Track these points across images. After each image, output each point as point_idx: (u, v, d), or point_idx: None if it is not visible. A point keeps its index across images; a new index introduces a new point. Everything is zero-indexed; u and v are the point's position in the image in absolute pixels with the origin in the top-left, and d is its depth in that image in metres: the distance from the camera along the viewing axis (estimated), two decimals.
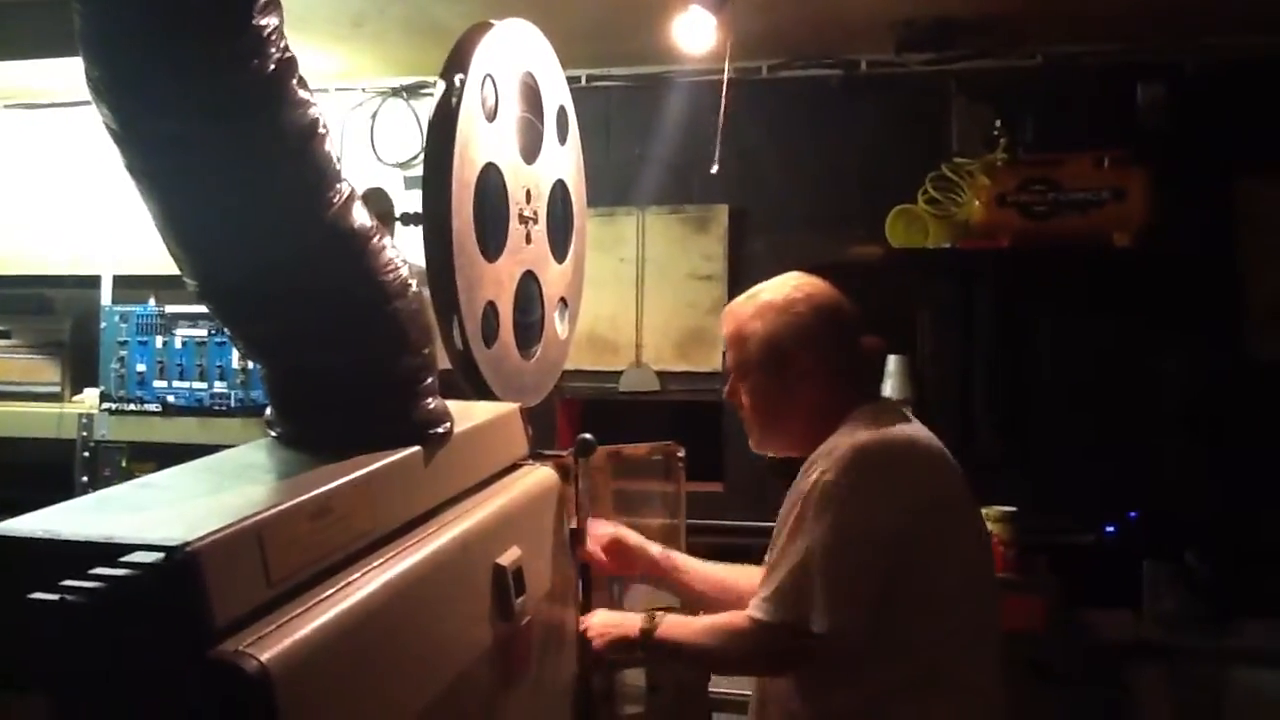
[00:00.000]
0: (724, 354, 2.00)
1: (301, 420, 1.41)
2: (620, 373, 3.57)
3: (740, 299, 1.99)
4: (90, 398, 3.18)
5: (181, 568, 0.93)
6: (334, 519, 1.15)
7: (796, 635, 1.72)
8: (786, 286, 1.94)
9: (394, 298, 1.39)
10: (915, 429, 1.83)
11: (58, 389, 3.28)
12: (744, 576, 1.98)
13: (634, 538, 2.05)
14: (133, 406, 3.09)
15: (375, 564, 1.18)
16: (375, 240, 1.39)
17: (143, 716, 0.94)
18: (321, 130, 1.31)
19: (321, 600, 1.07)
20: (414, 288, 1.45)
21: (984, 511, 2.88)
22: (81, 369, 3.27)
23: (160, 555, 0.95)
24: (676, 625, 1.89)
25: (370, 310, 1.38)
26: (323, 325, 1.36)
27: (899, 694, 1.74)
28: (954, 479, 1.80)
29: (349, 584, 1.12)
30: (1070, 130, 3.10)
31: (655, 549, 2.06)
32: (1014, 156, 3.05)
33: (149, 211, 1.27)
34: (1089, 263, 3.08)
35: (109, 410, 3.10)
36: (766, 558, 1.83)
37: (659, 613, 1.91)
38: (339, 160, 1.35)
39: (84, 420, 3.14)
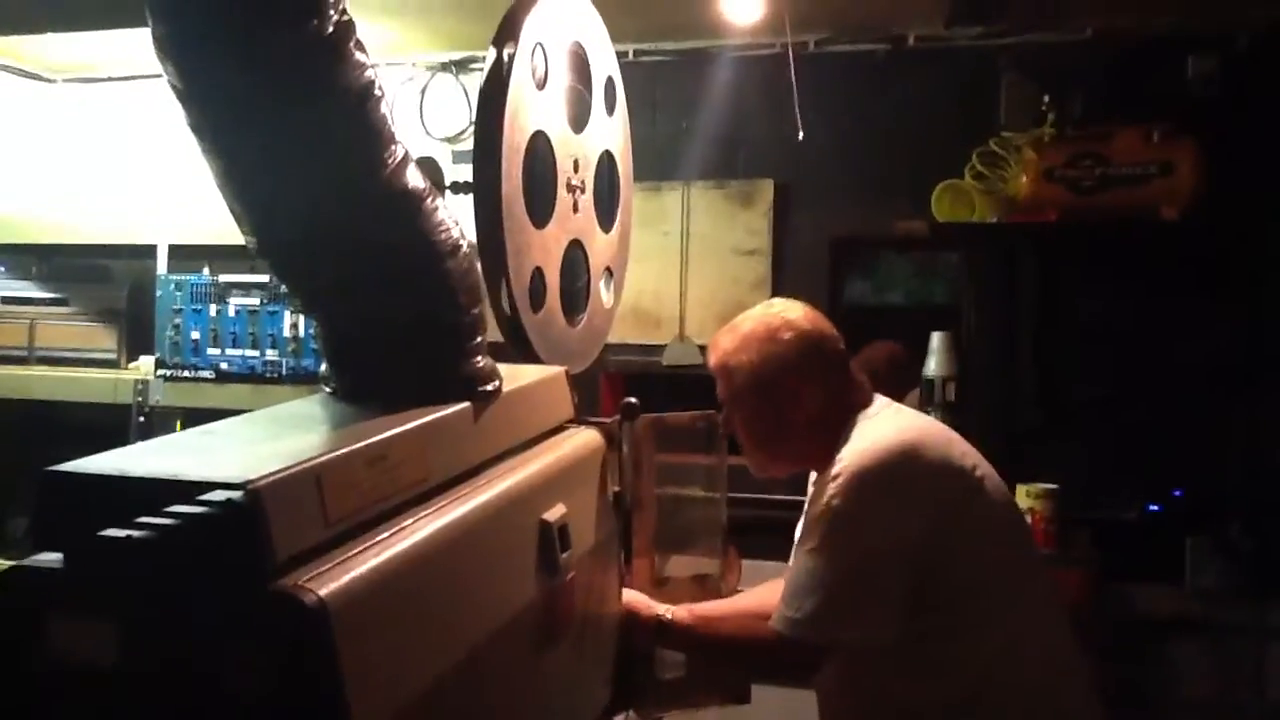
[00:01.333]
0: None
1: (355, 375, 1.45)
2: (663, 346, 3.59)
3: (722, 331, 2.01)
4: (146, 364, 3.26)
5: (244, 505, 0.97)
6: (388, 466, 1.19)
7: (818, 651, 1.81)
8: (767, 315, 1.97)
9: (446, 257, 1.43)
10: (917, 432, 1.85)
11: (114, 355, 3.36)
12: (771, 596, 1.97)
13: (645, 608, 1.93)
14: (187, 373, 3.16)
15: (427, 512, 1.22)
16: (428, 201, 1.42)
17: (204, 648, 0.98)
18: (378, 92, 1.34)
19: (376, 543, 1.10)
20: (465, 249, 1.48)
21: (1026, 488, 2.92)
22: (137, 336, 3.34)
23: (224, 493, 0.99)
24: (696, 626, 1.91)
25: (423, 269, 1.42)
26: (376, 282, 1.40)
27: (970, 684, 1.80)
28: (961, 473, 1.81)
29: (402, 529, 1.16)
30: (1119, 104, 3.08)
31: (666, 612, 1.93)
32: (1062, 131, 3.03)
33: (210, 168, 1.31)
34: (1135, 236, 3.05)
35: (164, 376, 3.17)
36: (791, 560, 1.91)
37: (677, 609, 1.93)
38: (394, 123, 1.38)
39: (139, 386, 3.21)
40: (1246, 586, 3.00)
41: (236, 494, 0.98)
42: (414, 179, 1.40)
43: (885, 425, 1.85)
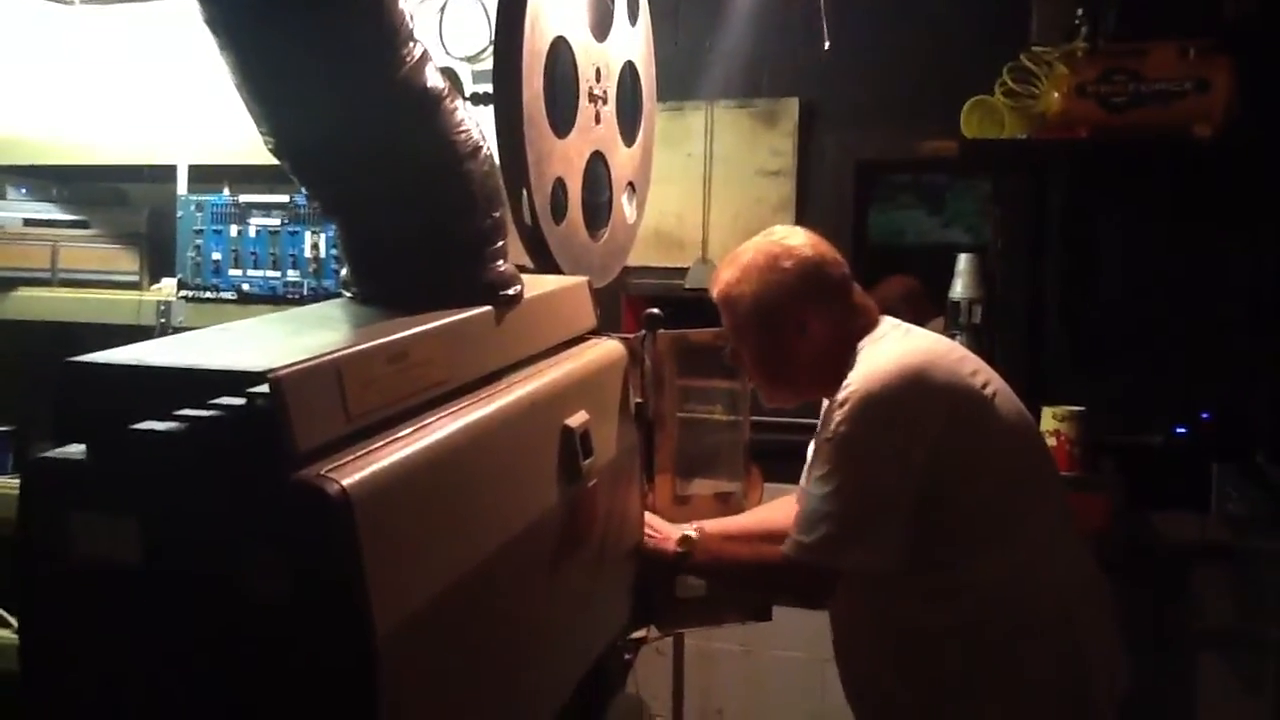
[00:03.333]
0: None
1: (376, 279, 1.44)
2: (686, 269, 3.56)
3: (724, 262, 1.97)
4: (168, 286, 3.24)
5: (266, 395, 0.97)
6: (409, 365, 1.18)
7: (829, 574, 1.82)
8: (768, 243, 1.92)
9: (466, 159, 1.41)
10: (923, 353, 1.82)
11: (136, 278, 3.34)
12: (782, 512, 2.00)
13: (661, 528, 1.96)
14: (209, 294, 3.13)
15: (449, 411, 1.21)
16: (447, 101, 1.40)
17: (228, 538, 0.98)
18: None
19: (398, 438, 1.10)
20: (485, 151, 1.46)
21: (1052, 410, 2.90)
22: (159, 258, 3.32)
23: (244, 383, 0.98)
24: (713, 551, 1.93)
25: (442, 170, 1.40)
26: (395, 184, 1.38)
27: (983, 599, 1.79)
28: (970, 392, 1.79)
29: (424, 427, 1.15)
30: (1154, 19, 3.00)
31: (689, 530, 1.96)
32: (1095, 46, 2.95)
33: (227, 66, 1.29)
34: (1167, 154, 2.98)
35: (186, 298, 3.15)
36: (802, 480, 1.91)
37: (695, 535, 1.94)
38: (412, 19, 1.35)
39: (162, 308, 3.20)
40: (1274, 515, 2.98)
41: (256, 383, 0.97)
42: (433, 78, 1.38)
43: (892, 348, 1.83)
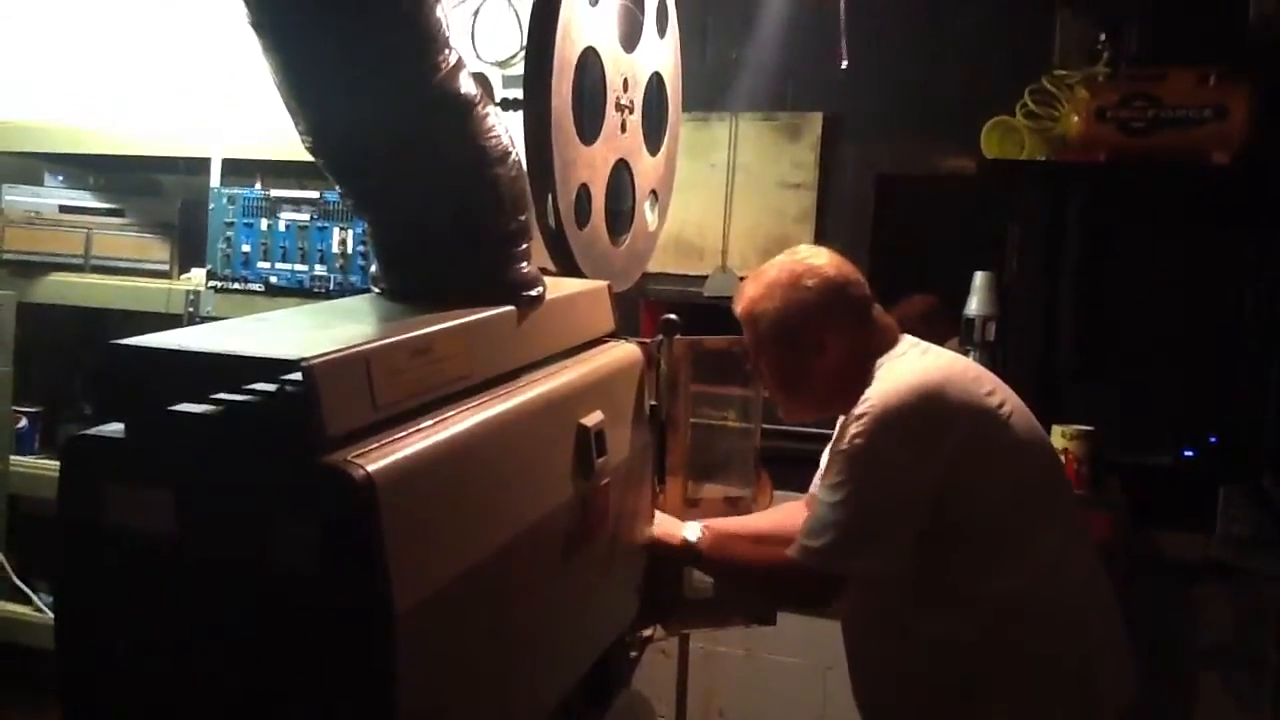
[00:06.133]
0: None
1: (403, 275, 1.49)
2: (705, 277, 3.60)
3: (748, 279, 2.02)
4: (197, 276, 3.30)
5: (298, 382, 1.02)
6: (434, 359, 1.23)
7: (832, 579, 1.84)
8: (792, 261, 1.97)
9: (495, 163, 1.46)
10: (941, 372, 1.85)
11: (166, 267, 3.41)
12: (790, 517, 2.04)
13: (673, 532, 1.99)
14: (237, 286, 3.20)
15: (470, 405, 1.26)
16: (480, 107, 1.45)
17: (258, 516, 1.03)
18: None
19: (421, 429, 1.15)
20: (514, 156, 1.51)
21: (1061, 429, 2.93)
22: (190, 249, 3.39)
23: (278, 370, 1.04)
24: (720, 549, 1.97)
25: (471, 173, 1.45)
26: (426, 185, 1.43)
27: (995, 611, 1.82)
28: (987, 411, 1.82)
29: (446, 419, 1.20)
30: (1177, 44, 3.03)
31: (693, 535, 1.97)
32: (1116, 70, 2.99)
33: (269, 66, 1.34)
34: (1184, 179, 3.01)
35: (215, 288, 3.21)
36: (812, 487, 1.94)
37: (704, 529, 1.98)
38: (448, 26, 1.41)
39: (191, 297, 3.26)
40: (1277, 538, 3.00)
41: (289, 370, 1.02)
42: (466, 84, 1.43)
43: (910, 365, 1.88)
